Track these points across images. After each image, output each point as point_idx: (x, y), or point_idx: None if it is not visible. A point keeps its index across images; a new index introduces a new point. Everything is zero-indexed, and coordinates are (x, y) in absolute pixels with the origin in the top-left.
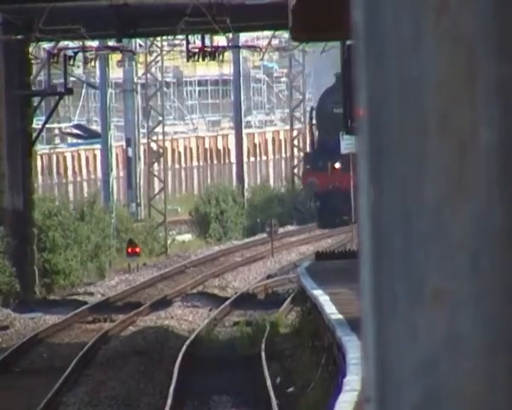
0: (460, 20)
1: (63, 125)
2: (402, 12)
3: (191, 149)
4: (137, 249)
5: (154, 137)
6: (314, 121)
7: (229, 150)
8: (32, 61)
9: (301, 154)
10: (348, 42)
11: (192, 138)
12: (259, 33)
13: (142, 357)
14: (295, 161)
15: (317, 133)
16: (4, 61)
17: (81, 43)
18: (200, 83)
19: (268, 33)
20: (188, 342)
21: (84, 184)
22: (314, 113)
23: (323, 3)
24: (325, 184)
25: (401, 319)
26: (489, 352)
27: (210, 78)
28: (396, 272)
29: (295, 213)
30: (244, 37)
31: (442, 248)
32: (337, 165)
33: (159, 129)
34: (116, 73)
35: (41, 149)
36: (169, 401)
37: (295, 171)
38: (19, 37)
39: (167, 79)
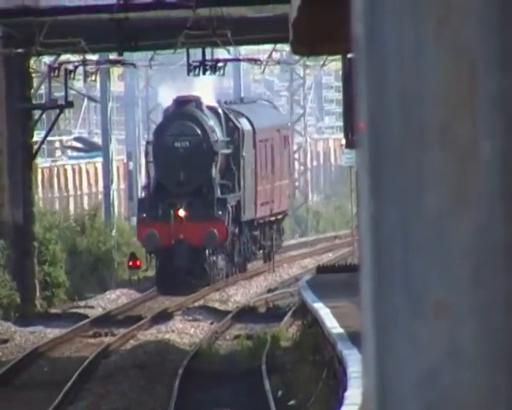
0: (461, 32)
1: (64, 138)
2: (403, 24)
3: None
4: (138, 262)
5: None
6: (151, 158)
7: None
8: (33, 75)
9: (301, 167)
10: (349, 55)
11: None
12: (260, 47)
13: (143, 371)
14: (296, 175)
15: (153, 173)
16: (5, 74)
17: (82, 56)
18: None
19: (269, 47)
20: (188, 356)
21: (85, 198)
22: (150, 147)
23: (324, 17)
24: (167, 236)
25: (402, 332)
26: (490, 366)
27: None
28: (396, 285)
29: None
30: (245, 50)
31: (443, 260)
32: (181, 212)
33: None
34: (117, 87)
35: (42, 162)
36: None
37: (296, 184)
38: (19, 50)
39: None
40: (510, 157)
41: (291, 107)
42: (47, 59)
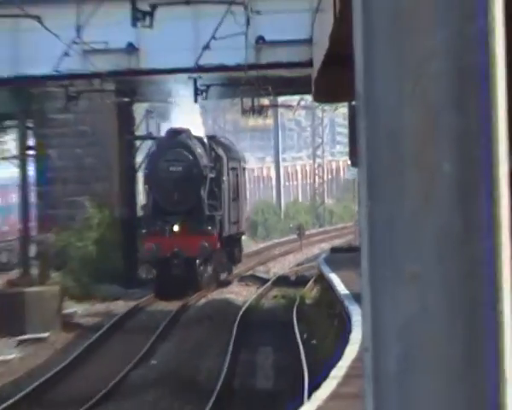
0: (429, 90)
1: None
2: (389, 84)
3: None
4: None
5: None
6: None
7: (270, 177)
8: (135, 116)
9: (320, 180)
10: (353, 103)
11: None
12: (292, 97)
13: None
14: (316, 185)
15: (150, 196)
16: (117, 116)
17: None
18: (251, 132)
19: (297, 97)
20: (242, 310)
21: None
22: (146, 172)
23: (335, 77)
24: (165, 249)
25: (387, 294)
26: (450, 320)
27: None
28: (384, 261)
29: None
30: (281, 98)
31: (416, 245)
32: (176, 228)
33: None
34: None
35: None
36: (230, 349)
37: (316, 191)
38: (126, 99)
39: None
40: (464, 175)
41: (313, 138)
42: (145, 104)
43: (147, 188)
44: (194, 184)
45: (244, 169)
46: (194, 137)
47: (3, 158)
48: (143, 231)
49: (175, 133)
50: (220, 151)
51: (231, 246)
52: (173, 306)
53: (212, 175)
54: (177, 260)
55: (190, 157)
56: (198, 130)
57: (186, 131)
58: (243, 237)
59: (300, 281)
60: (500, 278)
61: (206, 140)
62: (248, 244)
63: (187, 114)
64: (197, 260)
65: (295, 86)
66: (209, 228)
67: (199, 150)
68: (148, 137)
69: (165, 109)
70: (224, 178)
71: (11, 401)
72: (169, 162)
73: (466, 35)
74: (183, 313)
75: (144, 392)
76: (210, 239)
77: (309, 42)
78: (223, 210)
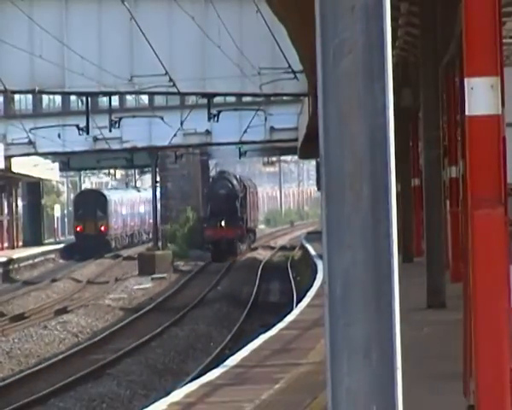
0: (358, 152)
1: None
2: (336, 149)
3: (263, 195)
4: None
5: None
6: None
7: (276, 196)
8: (210, 165)
9: (301, 197)
10: (318, 159)
11: (263, 192)
12: (287, 156)
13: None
14: (299, 200)
15: (208, 206)
16: (200, 166)
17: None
18: (267, 174)
19: (290, 156)
20: (263, 262)
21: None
22: (206, 192)
23: (309, 146)
24: (216, 234)
25: (336, 254)
26: (365, 266)
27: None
28: (334, 238)
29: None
30: (282, 157)
31: (350, 230)
32: (222, 223)
33: None
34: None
35: None
36: (257, 282)
37: (299, 203)
38: (204, 157)
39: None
40: (374, 195)
41: (298, 176)
42: (214, 160)
43: (206, 201)
44: (232, 199)
45: (256, 193)
46: (231, 174)
47: (144, 188)
48: (204, 225)
49: (222, 172)
50: (246, 183)
51: (250, 233)
52: (225, 263)
53: (241, 195)
54: (222, 240)
55: (230, 185)
56: (236, 172)
57: (227, 171)
58: (262, 226)
59: (291, 248)
60: (392, 248)
61: (238, 176)
62: (265, 230)
63: (234, 164)
64: (234, 240)
65: (290, 151)
66: (240, 223)
67: (234, 181)
68: (212, 177)
69: (224, 162)
70: (247, 197)
71: (148, 308)
72: (219, 187)
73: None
74: (232, 264)
75: (214, 303)
76: (241, 230)
77: (296, 129)
78: (246, 214)
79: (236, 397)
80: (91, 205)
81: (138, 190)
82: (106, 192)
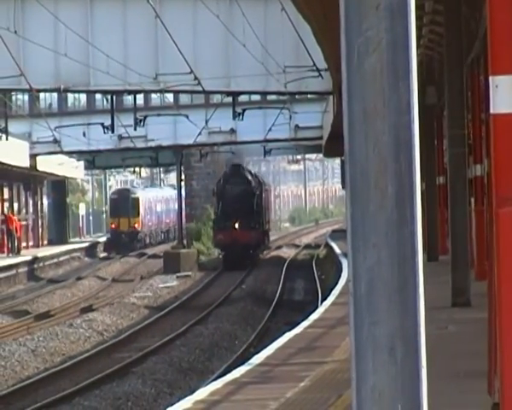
0: (382, 151)
1: None
2: (360, 147)
3: (288, 194)
4: None
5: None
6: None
7: (301, 195)
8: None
9: (326, 195)
10: (343, 157)
11: (289, 190)
12: (312, 154)
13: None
14: (324, 198)
15: (220, 204)
16: (225, 164)
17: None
18: (292, 172)
19: (315, 154)
20: (288, 260)
21: None
22: (216, 191)
23: (334, 145)
24: (228, 238)
25: (361, 253)
26: (391, 265)
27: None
28: (359, 236)
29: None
30: (307, 155)
31: (375, 228)
32: (236, 225)
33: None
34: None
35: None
36: (281, 280)
37: (324, 201)
38: (229, 156)
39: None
40: (399, 193)
41: (323, 174)
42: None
43: (216, 199)
44: (248, 198)
45: (271, 191)
46: (246, 168)
47: (170, 185)
48: (215, 227)
49: (235, 166)
50: (261, 179)
51: (265, 236)
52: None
53: (257, 192)
54: (236, 245)
55: (245, 181)
56: (255, 170)
57: (241, 165)
58: (286, 224)
59: (316, 246)
60: (417, 247)
61: (253, 171)
62: (290, 228)
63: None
64: (250, 246)
65: (314, 149)
66: (256, 226)
67: (250, 177)
68: (224, 171)
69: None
70: (263, 195)
71: (173, 306)
72: (231, 185)
73: (402, 125)
74: (257, 262)
75: (239, 302)
76: (257, 234)
77: (321, 127)
78: (263, 215)
79: (261, 395)
80: (125, 203)
81: (174, 188)
82: (138, 190)
